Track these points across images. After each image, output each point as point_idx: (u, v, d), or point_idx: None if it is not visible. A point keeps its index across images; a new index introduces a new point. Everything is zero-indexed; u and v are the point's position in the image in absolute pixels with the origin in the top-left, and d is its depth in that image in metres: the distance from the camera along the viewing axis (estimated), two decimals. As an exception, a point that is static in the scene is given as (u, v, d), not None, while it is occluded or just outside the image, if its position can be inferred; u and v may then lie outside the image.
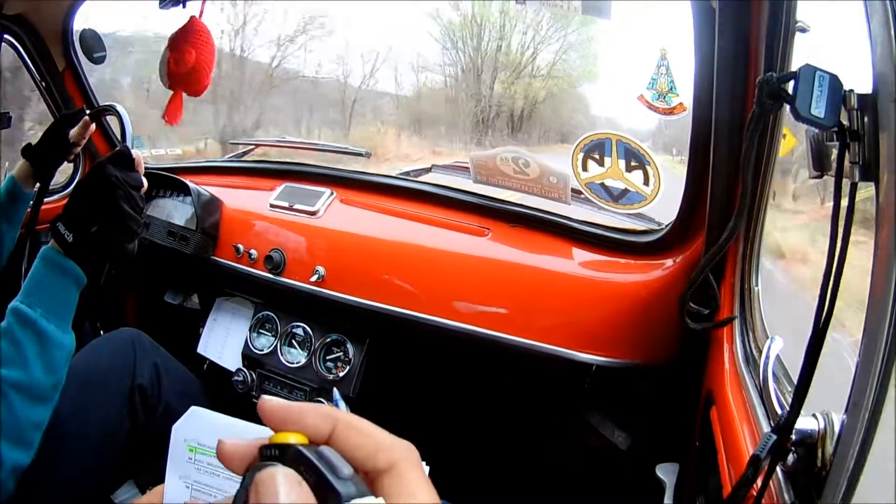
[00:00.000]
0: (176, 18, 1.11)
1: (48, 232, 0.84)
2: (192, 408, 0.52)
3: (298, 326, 1.35)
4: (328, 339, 1.32)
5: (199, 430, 0.46)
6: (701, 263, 0.80)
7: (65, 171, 1.58)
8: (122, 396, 1.03)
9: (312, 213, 1.35)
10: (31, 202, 1.05)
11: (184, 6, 1.13)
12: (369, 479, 0.31)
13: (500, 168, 1.21)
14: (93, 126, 1.02)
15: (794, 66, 0.75)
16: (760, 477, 0.56)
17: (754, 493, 0.57)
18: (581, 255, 1.16)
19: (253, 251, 1.35)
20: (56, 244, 0.81)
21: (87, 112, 1.02)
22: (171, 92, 1.09)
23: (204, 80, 1.09)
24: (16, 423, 0.75)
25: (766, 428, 0.64)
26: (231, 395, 1.36)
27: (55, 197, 1.54)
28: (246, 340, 1.40)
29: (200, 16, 1.10)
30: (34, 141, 1.04)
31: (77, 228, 0.81)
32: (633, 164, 1.07)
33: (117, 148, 0.87)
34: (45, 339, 0.78)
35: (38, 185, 1.05)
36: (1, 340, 0.76)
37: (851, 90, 0.50)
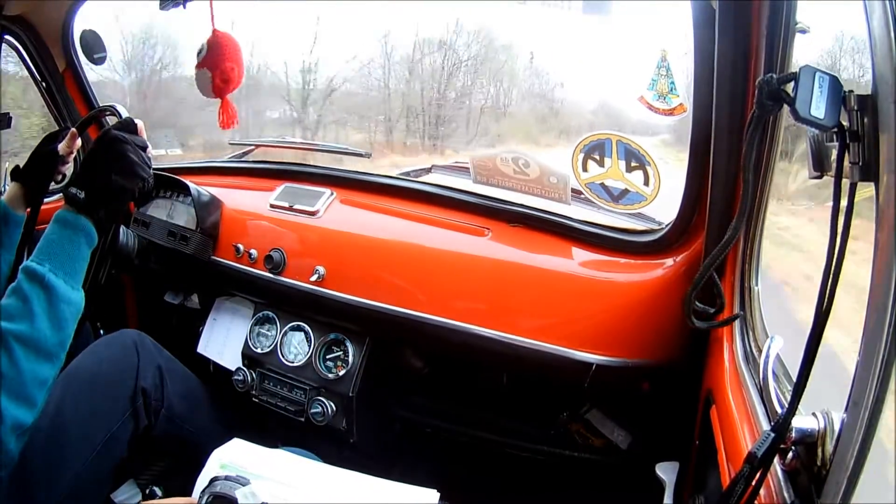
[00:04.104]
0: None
1: None
2: (235, 439, 0.65)
3: (298, 326, 1.35)
4: (328, 339, 1.32)
5: (235, 452, 0.56)
6: (705, 263, 0.80)
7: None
8: (125, 399, 1.02)
9: (312, 214, 1.34)
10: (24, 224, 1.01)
11: (184, 7, 1.13)
12: None
13: (500, 168, 1.22)
14: (78, 141, 1.00)
15: (795, 66, 0.76)
16: (758, 474, 0.56)
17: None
18: (581, 254, 1.16)
19: (253, 251, 1.35)
20: (69, 206, 0.84)
21: (72, 127, 1.01)
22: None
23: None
24: (18, 378, 0.74)
25: (765, 427, 0.64)
26: (233, 396, 1.36)
27: (54, 197, 1.53)
28: (246, 340, 1.39)
29: (212, 21, 1.11)
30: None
31: (89, 184, 0.84)
32: (633, 164, 1.07)
33: (121, 119, 0.92)
34: (53, 293, 0.78)
35: (28, 209, 1.00)
36: (10, 296, 0.77)
37: (851, 91, 0.50)
